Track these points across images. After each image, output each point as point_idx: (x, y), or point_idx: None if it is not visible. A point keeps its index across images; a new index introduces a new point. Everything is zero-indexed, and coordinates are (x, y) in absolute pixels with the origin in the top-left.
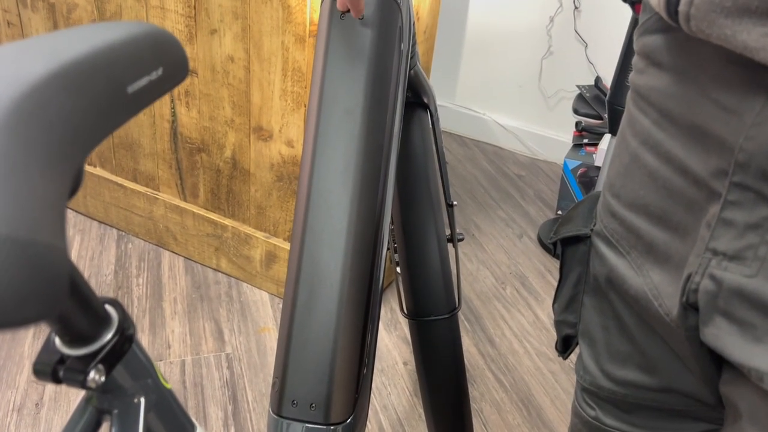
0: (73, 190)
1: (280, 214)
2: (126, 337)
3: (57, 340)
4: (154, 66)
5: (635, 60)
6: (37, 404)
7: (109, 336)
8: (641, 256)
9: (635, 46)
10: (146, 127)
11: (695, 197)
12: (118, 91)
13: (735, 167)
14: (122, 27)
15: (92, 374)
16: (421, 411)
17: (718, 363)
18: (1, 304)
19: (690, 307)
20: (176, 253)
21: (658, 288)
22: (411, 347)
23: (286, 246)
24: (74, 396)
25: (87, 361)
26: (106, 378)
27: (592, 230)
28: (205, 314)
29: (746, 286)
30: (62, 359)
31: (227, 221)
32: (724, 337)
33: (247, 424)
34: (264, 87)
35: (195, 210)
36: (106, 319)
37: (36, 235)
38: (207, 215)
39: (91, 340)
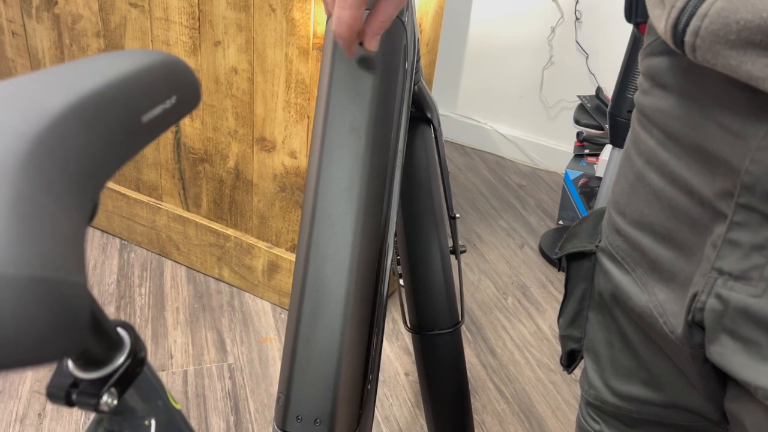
0: (90, 220)
1: (283, 224)
2: (138, 360)
3: (70, 364)
4: (168, 95)
5: (640, 80)
6: (39, 414)
7: (121, 359)
8: (646, 274)
9: (640, 67)
10: None
11: (700, 217)
12: (133, 121)
13: (741, 189)
14: (136, 56)
15: (105, 398)
16: (423, 422)
17: (723, 380)
18: (24, 343)
19: (695, 325)
20: (179, 263)
21: (663, 306)
22: (413, 358)
23: (288, 256)
24: (76, 408)
25: (100, 384)
26: (118, 401)
27: (597, 246)
28: (207, 324)
29: (752, 305)
30: (75, 383)
31: (230, 231)
32: (729, 355)
33: (254, 429)
34: (267, 98)
35: (198, 220)
36: (118, 343)
37: (57, 274)
38: (209, 225)
39: (103, 364)
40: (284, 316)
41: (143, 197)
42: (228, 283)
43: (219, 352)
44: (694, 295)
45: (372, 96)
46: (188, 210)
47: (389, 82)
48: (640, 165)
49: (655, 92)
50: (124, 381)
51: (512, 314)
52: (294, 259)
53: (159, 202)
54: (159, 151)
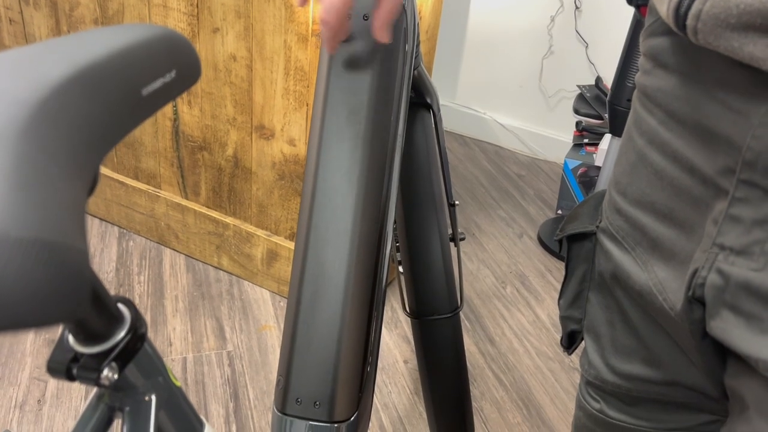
0: (90, 191)
1: (282, 212)
2: (138, 335)
3: (70, 338)
4: (168, 68)
5: (641, 61)
6: (39, 401)
7: (122, 334)
8: (646, 252)
9: (641, 48)
10: (148, 125)
11: (701, 195)
12: (133, 93)
13: (742, 165)
14: (136, 30)
15: (106, 372)
16: (422, 409)
17: (722, 356)
18: (26, 304)
19: (695, 301)
20: (177, 251)
21: (663, 283)
22: (411, 346)
23: (288, 244)
24: (76, 393)
25: (100, 359)
26: (118, 376)
27: (597, 227)
28: (206, 312)
29: (753, 279)
30: (76, 357)
31: (229, 219)
32: (731, 330)
33: (249, 421)
34: (266, 86)
35: (196, 208)
36: (119, 318)
37: (60, 238)
38: (208, 213)
39: (104, 339)
40: (283, 304)
41: (142, 185)
42: (227, 272)
43: (218, 339)
44: (695, 271)
45: (372, 79)
46: (187, 198)
47: (389, 65)
48: (641, 145)
49: (656, 72)
50: (125, 356)
51: (511, 303)
52: (293, 248)
53: (158, 190)
54: (157, 139)
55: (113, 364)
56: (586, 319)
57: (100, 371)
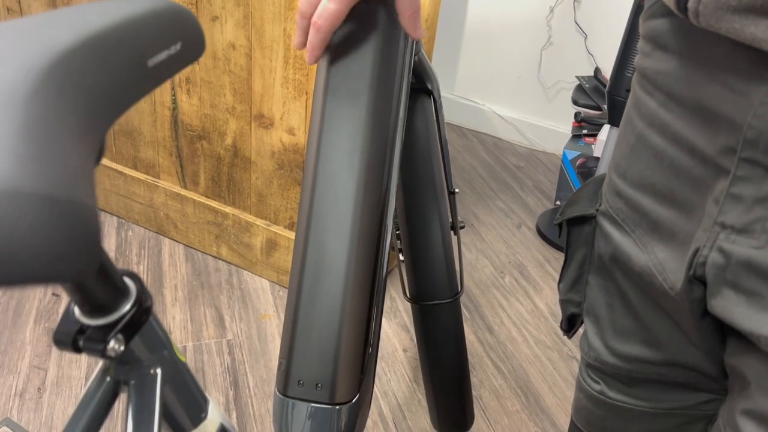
0: (97, 161)
1: (281, 202)
2: (144, 308)
3: (76, 311)
4: (173, 41)
5: (641, 44)
6: (39, 389)
7: (127, 307)
8: (646, 234)
9: (641, 30)
10: (147, 114)
11: (702, 175)
12: (139, 63)
13: (743, 144)
14: (143, 2)
15: (112, 343)
16: (421, 397)
17: (721, 335)
18: (39, 259)
19: (696, 280)
20: (176, 241)
21: (663, 264)
22: (410, 334)
23: (287, 234)
24: (76, 381)
25: (106, 331)
26: (124, 348)
27: (597, 210)
28: (205, 301)
29: (754, 257)
30: (82, 329)
31: (228, 209)
32: (732, 308)
33: (249, 409)
34: (265, 74)
35: (195, 198)
36: (124, 291)
37: (71, 194)
38: (207, 203)
39: (110, 311)
40: (283, 293)
41: (141, 175)
42: (226, 261)
43: (218, 328)
44: (696, 251)
45: (373, 63)
46: (186, 188)
47: (390, 49)
48: (641, 127)
49: (656, 54)
50: (131, 328)
51: (509, 293)
52: (293, 237)
53: (156, 180)
54: (156, 128)
55: (119, 336)
56: (585, 302)
57: (107, 343)
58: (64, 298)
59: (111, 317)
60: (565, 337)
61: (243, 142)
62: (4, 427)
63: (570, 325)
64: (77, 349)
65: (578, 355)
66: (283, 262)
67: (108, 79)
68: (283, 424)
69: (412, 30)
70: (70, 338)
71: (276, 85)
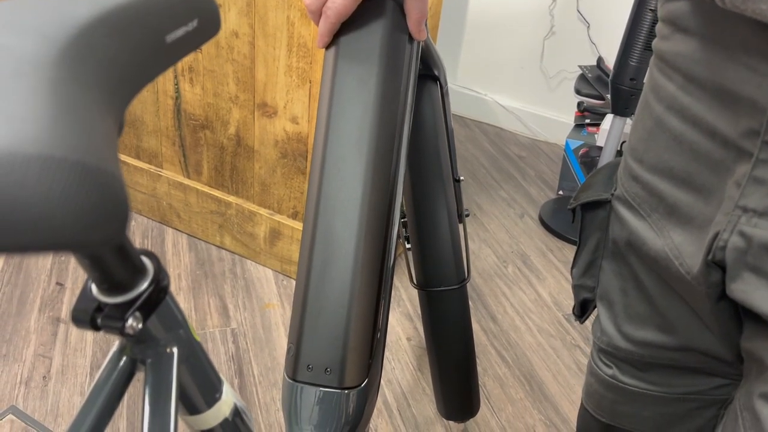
0: (118, 135)
1: (285, 191)
2: (161, 287)
3: (94, 289)
4: (190, 17)
5: (659, 27)
6: (44, 377)
7: (145, 285)
8: (663, 218)
9: (659, 13)
10: (149, 103)
11: (722, 158)
12: (157, 39)
13: (767, 126)
14: None
15: (130, 321)
16: (425, 385)
17: (737, 319)
18: (74, 224)
19: (714, 264)
20: (180, 230)
21: (679, 248)
22: (414, 323)
23: (290, 223)
24: (81, 369)
25: (124, 309)
26: (142, 326)
27: (612, 195)
28: (209, 290)
29: None
30: (100, 307)
31: (231, 198)
32: (752, 291)
33: (254, 397)
34: (269, 63)
35: (198, 187)
36: (142, 269)
37: (101, 162)
38: (211, 192)
39: (127, 289)
40: (286, 282)
41: (143, 165)
42: (230, 251)
43: (222, 317)
44: (716, 235)
45: (381, 48)
46: (189, 177)
47: (398, 34)
48: (659, 111)
49: (675, 37)
50: (148, 307)
51: (512, 282)
52: (296, 227)
53: (159, 169)
54: (159, 117)
55: (137, 314)
56: (599, 288)
57: (125, 320)
58: (69, 287)
59: (129, 295)
60: (569, 324)
61: (246, 131)
62: (10, 415)
63: (582, 310)
64: (95, 327)
65: (581, 344)
66: (286, 251)
67: (128, 54)
68: (292, 409)
69: (416, 32)
70: (89, 316)
71: (279, 73)
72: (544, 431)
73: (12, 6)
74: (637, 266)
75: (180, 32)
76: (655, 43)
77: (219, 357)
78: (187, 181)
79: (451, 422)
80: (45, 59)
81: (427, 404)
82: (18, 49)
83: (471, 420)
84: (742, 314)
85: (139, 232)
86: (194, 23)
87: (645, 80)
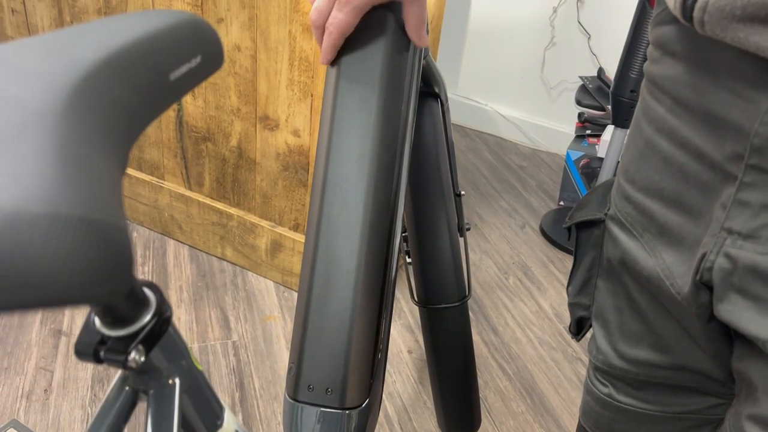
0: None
1: (286, 203)
2: (164, 319)
3: (97, 322)
4: (194, 54)
5: (650, 50)
6: (45, 390)
7: (147, 318)
8: (654, 239)
9: (650, 37)
10: None
11: (710, 180)
12: (162, 78)
13: (750, 151)
14: (163, 15)
15: (133, 355)
16: (426, 398)
17: (728, 340)
18: (76, 281)
19: (702, 285)
20: (181, 242)
21: (671, 268)
22: (415, 336)
23: (292, 235)
24: (82, 382)
25: (127, 342)
26: (145, 358)
27: (606, 215)
28: (210, 302)
29: (761, 263)
30: (103, 340)
31: (232, 210)
32: (738, 312)
33: (255, 410)
34: (271, 76)
35: (200, 199)
36: (144, 302)
37: (105, 216)
38: (212, 204)
39: (130, 322)
40: (287, 295)
41: (145, 176)
42: (231, 263)
43: (223, 329)
44: (703, 256)
45: (382, 67)
46: (191, 189)
47: (399, 53)
48: (650, 133)
49: (664, 60)
50: (151, 339)
51: (514, 293)
52: (298, 239)
53: (161, 181)
54: (161, 129)
55: (140, 347)
56: (594, 306)
57: (128, 354)
58: None
59: (132, 328)
60: (571, 338)
61: (248, 143)
62: (11, 429)
63: (579, 328)
64: (98, 360)
65: (583, 357)
66: (287, 263)
67: (133, 94)
68: (293, 429)
69: (417, 39)
70: (92, 349)
71: (281, 86)
72: None
73: (18, 50)
74: (631, 285)
75: (183, 69)
76: (646, 66)
77: (220, 370)
78: (188, 193)
79: None
80: (51, 110)
81: (428, 418)
82: (24, 100)
83: None
84: (733, 335)
85: (141, 243)
86: (197, 59)
87: (638, 101)
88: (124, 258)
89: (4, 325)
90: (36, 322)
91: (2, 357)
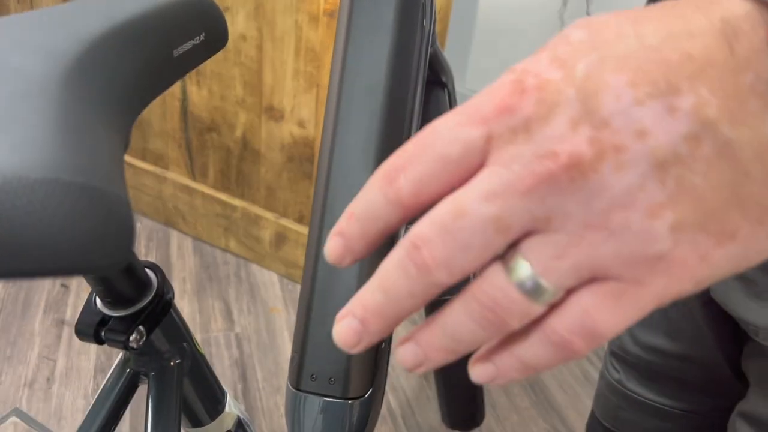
0: (124, 151)
1: (291, 195)
2: (165, 301)
3: (98, 302)
4: (198, 31)
5: None
6: (48, 379)
7: (149, 299)
8: None
9: None
10: (156, 105)
11: None
12: (166, 53)
13: None
14: None
15: (134, 335)
16: (429, 392)
17: (735, 335)
18: (80, 249)
19: None
20: (185, 233)
21: None
22: None
23: (296, 227)
24: (85, 372)
25: (128, 322)
26: (146, 339)
27: None
28: (214, 294)
29: None
30: (104, 320)
31: (237, 201)
32: (729, 292)
33: (257, 402)
34: (276, 66)
35: (204, 190)
36: (146, 283)
37: (106, 185)
38: (216, 195)
39: (131, 303)
40: (291, 287)
41: (149, 166)
42: (235, 254)
43: (226, 321)
44: None
45: (390, 54)
46: (195, 180)
47: (407, 40)
48: None
49: None
50: (152, 320)
51: None
52: (302, 231)
53: (165, 171)
54: (166, 120)
55: (141, 327)
56: None
57: (129, 334)
58: (73, 289)
59: (133, 309)
60: None
61: (253, 134)
62: (14, 417)
63: None
64: (99, 340)
65: (588, 353)
66: (292, 255)
67: (135, 69)
68: (295, 419)
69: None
70: (92, 329)
71: (287, 77)
72: None
73: (21, 22)
74: None
75: (187, 46)
76: None
77: (223, 361)
78: (193, 184)
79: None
80: (53, 79)
81: (431, 412)
82: (27, 70)
83: (476, 429)
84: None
85: (144, 234)
86: (201, 36)
87: None
88: (125, 228)
89: (8, 314)
90: (39, 312)
91: (5, 346)
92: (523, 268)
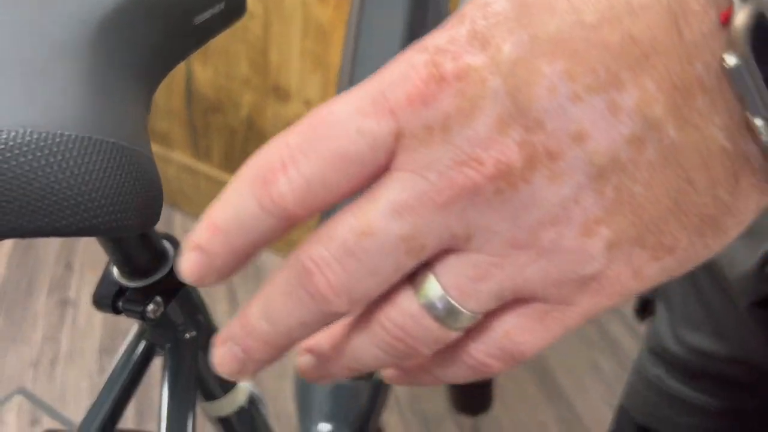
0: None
1: None
2: None
3: (116, 272)
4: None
5: None
6: (52, 360)
7: (167, 270)
8: None
9: None
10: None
11: None
12: (186, 21)
13: None
14: None
15: (151, 306)
16: None
17: None
18: (112, 208)
19: (765, 275)
20: (189, 215)
21: (733, 252)
22: None
23: None
24: (89, 353)
25: (146, 293)
26: (164, 310)
27: None
28: None
29: None
30: (121, 291)
31: None
32: None
33: (263, 386)
34: (283, 45)
35: (209, 171)
36: (164, 254)
37: (136, 146)
38: (221, 176)
39: (149, 273)
40: None
41: (153, 146)
42: None
43: (231, 304)
44: None
45: (401, 44)
46: (199, 161)
47: (419, 30)
48: None
49: None
50: (169, 291)
51: None
52: None
53: (169, 152)
54: (170, 99)
55: (158, 298)
56: (661, 287)
57: (146, 305)
58: (77, 270)
59: (150, 279)
60: (636, 320)
61: (258, 115)
62: (19, 396)
63: (643, 309)
64: (117, 311)
65: (596, 340)
66: (297, 237)
67: (157, 36)
68: (304, 401)
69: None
70: (110, 300)
71: (294, 56)
72: (557, 428)
73: None
74: (697, 269)
75: (207, 14)
76: None
77: None
78: (197, 165)
79: (461, 418)
80: (82, 43)
81: (438, 399)
82: (53, 34)
83: (482, 416)
84: None
85: None
86: (221, 5)
87: None
88: (156, 189)
89: (12, 294)
90: (43, 294)
91: (9, 327)
92: (436, 291)
